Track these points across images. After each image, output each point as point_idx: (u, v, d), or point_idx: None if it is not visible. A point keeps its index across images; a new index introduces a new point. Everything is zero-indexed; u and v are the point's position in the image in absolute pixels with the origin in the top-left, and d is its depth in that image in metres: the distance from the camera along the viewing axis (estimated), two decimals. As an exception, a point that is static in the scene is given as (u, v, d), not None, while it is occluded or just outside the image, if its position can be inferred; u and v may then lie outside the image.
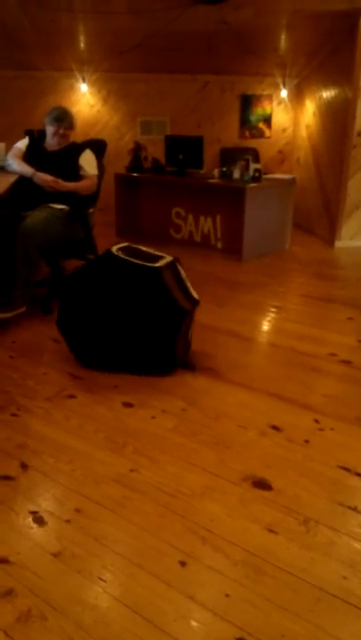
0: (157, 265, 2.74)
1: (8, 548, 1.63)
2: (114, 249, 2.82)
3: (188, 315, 2.82)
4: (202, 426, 2.32)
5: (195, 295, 2.91)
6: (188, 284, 2.92)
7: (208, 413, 2.43)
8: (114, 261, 2.75)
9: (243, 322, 3.56)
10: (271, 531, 1.71)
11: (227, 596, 1.47)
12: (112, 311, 2.70)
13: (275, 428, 2.31)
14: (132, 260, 2.74)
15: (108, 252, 2.81)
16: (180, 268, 2.92)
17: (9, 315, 3.25)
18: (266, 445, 2.19)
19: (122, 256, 2.75)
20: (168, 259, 2.86)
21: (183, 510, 1.80)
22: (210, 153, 6.26)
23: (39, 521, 1.74)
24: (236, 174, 5.15)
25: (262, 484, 1.94)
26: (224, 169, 5.32)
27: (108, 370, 2.78)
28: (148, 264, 2.73)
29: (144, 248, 2.98)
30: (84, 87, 6.51)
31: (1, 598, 1.45)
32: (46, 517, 1.76)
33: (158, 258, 2.85)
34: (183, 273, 2.92)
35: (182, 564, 1.58)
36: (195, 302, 2.89)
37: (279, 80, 6.75)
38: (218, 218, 5.25)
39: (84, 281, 2.80)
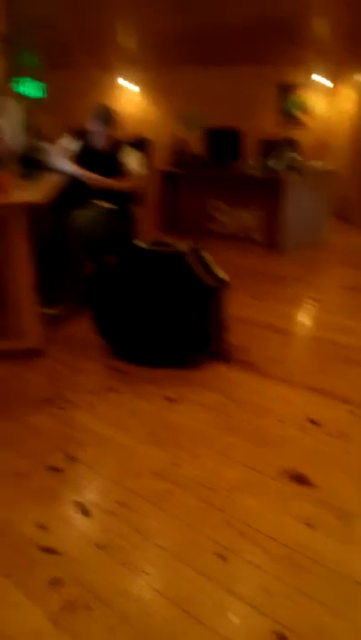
0: (181, 250, 2.82)
1: (56, 537, 1.71)
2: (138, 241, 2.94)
3: (215, 291, 2.86)
4: (241, 420, 2.35)
5: (222, 276, 2.96)
6: (215, 267, 2.98)
7: (247, 408, 2.45)
8: (139, 252, 2.85)
9: (282, 315, 3.54)
10: (310, 525, 1.73)
11: (265, 590, 1.50)
12: (142, 300, 2.81)
13: (313, 422, 2.31)
14: (157, 248, 2.83)
15: (133, 244, 2.90)
16: (203, 253, 2.98)
17: (57, 310, 3.35)
18: (305, 440, 2.20)
19: (146, 246, 2.85)
20: (190, 246, 2.94)
21: (222, 504, 1.84)
22: (249, 144, 6.20)
23: (85, 512, 1.82)
24: (276, 165, 5.09)
25: (301, 479, 1.95)
26: (263, 160, 5.27)
27: (144, 362, 2.86)
28: (172, 251, 2.81)
29: (167, 239, 3.06)
30: (125, 84, 6.55)
31: (48, 587, 1.53)
32: (91, 509, 1.83)
33: (181, 246, 2.93)
34: (208, 258, 2.98)
35: (222, 557, 1.62)
36: (222, 282, 2.93)
37: (318, 68, 6.61)
38: (257, 210, 5.22)
39: (113, 274, 2.89)
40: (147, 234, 3.50)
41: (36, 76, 5.64)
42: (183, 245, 2.97)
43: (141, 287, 2.81)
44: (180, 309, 2.78)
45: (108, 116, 3.61)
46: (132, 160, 3.68)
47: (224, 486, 1.93)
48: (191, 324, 2.81)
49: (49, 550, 1.66)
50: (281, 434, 2.25)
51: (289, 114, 6.86)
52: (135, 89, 6.58)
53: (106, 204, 3.54)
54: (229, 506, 1.83)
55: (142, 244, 2.87)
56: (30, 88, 5.55)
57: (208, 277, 2.85)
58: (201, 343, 2.84)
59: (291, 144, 6.03)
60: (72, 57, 5.97)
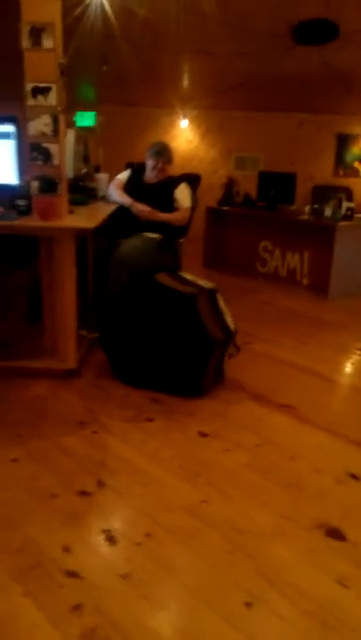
0: (192, 292, 2.83)
1: (79, 562, 1.69)
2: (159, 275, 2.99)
3: (219, 345, 2.87)
4: (276, 465, 2.29)
5: (231, 326, 2.97)
6: (227, 315, 3.00)
7: (283, 452, 2.39)
8: (153, 285, 2.89)
9: (325, 361, 3.48)
10: (342, 584, 1.65)
11: (291, 646, 1.43)
12: (148, 332, 2.85)
13: (353, 476, 2.23)
14: (170, 285, 2.86)
15: (150, 277, 2.94)
16: (219, 297, 3.00)
17: (96, 335, 3.39)
18: (342, 493, 2.12)
19: (160, 281, 2.88)
20: (207, 288, 2.97)
21: (252, 550, 1.78)
22: (302, 190, 6.26)
23: (111, 540, 1.79)
24: (328, 212, 5.11)
25: (336, 534, 1.87)
26: (315, 206, 5.30)
27: (143, 386, 2.90)
28: (183, 291, 2.83)
29: (189, 276, 3.12)
30: (183, 123, 6.78)
31: (69, 612, 1.50)
32: (118, 537, 1.80)
33: (197, 286, 2.97)
34: (222, 303, 3.00)
35: (248, 605, 1.55)
36: (229, 333, 2.94)
37: (379, 119, 6.67)
38: (306, 254, 5.22)
39: (125, 301, 2.95)
40: (189, 267, 3.55)
41: (93, 108, 5.89)
42: (204, 283, 3.01)
43: (149, 319, 2.85)
44: (180, 352, 2.80)
45: (161, 150, 3.73)
46: (184, 195, 3.76)
47: (255, 532, 1.87)
48: (187, 370, 2.84)
49: (73, 574, 1.63)
50: (317, 484, 2.17)
51: (346, 163, 6.90)
52: (193, 128, 6.78)
53: (153, 235, 3.62)
54: (259, 553, 1.77)
55: (160, 279, 2.90)
56: (87, 119, 5.80)
57: (215, 327, 2.86)
58: (191, 390, 2.86)
59: (345, 193, 6.05)
60: (132, 92, 6.23)
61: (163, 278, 2.93)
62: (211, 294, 2.96)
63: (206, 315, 2.84)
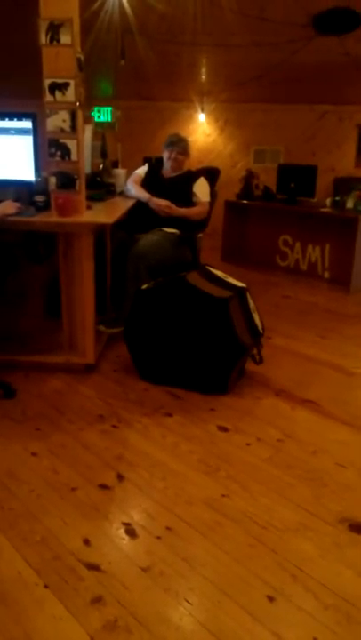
0: (224, 296, 2.78)
1: (100, 555, 1.68)
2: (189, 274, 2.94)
3: (248, 350, 2.87)
4: (298, 459, 2.26)
5: (260, 327, 2.96)
6: (256, 315, 2.97)
7: (305, 447, 2.35)
8: (184, 286, 2.84)
9: (347, 355, 3.42)
10: (367, 580, 1.61)
11: (315, 639, 1.40)
12: (175, 332, 2.82)
13: (377, 470, 2.19)
14: (201, 288, 2.82)
15: (180, 277, 2.90)
16: (249, 297, 2.96)
17: (116, 330, 3.40)
18: (366, 488, 2.08)
19: (192, 283, 2.84)
20: (238, 287, 2.93)
21: (274, 544, 1.75)
22: (323, 182, 6.16)
23: (131, 533, 1.79)
24: (350, 204, 5.02)
25: (360, 529, 1.84)
26: (337, 198, 5.22)
27: (164, 383, 2.88)
28: (216, 295, 2.79)
29: (220, 273, 3.07)
30: (201, 117, 6.74)
31: (91, 604, 1.50)
32: (138, 530, 1.80)
33: (229, 286, 2.93)
34: (252, 303, 2.97)
35: (270, 599, 1.53)
36: (258, 335, 2.93)
37: None
38: (327, 247, 5.14)
39: (154, 299, 2.90)
40: (208, 261, 3.52)
41: (110, 104, 5.89)
42: (234, 282, 2.98)
43: (179, 319, 2.82)
44: (208, 355, 2.78)
45: (175, 141, 3.71)
46: (202, 189, 3.73)
47: (277, 526, 1.84)
48: (214, 372, 2.82)
49: (93, 567, 1.63)
50: (340, 479, 2.13)
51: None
52: (211, 122, 6.74)
53: (171, 230, 3.60)
54: (282, 547, 1.74)
55: (191, 280, 2.87)
56: (104, 114, 5.80)
57: (245, 332, 2.84)
58: (216, 389, 2.83)
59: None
60: (150, 87, 6.21)
61: (194, 279, 2.90)
62: (241, 294, 2.93)
63: (237, 318, 2.81)
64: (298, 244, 5.41)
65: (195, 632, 1.42)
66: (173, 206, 3.60)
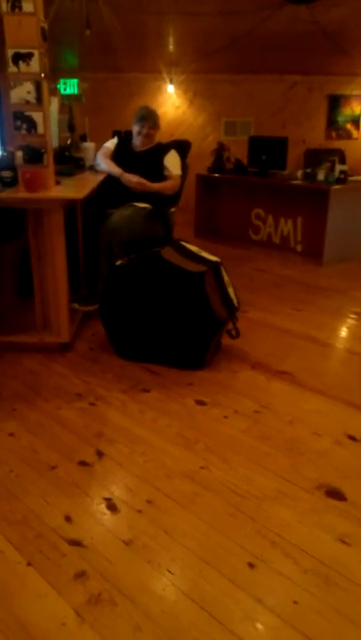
0: (199, 271, 2.77)
1: (83, 531, 1.69)
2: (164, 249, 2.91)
3: (224, 324, 2.88)
4: (275, 430, 2.29)
5: (235, 301, 2.97)
6: (230, 290, 2.97)
7: (282, 418, 2.39)
8: (158, 261, 2.82)
9: (321, 327, 3.47)
10: (344, 542, 1.66)
11: (295, 603, 1.44)
12: (151, 308, 2.81)
13: (352, 437, 2.24)
14: (176, 263, 2.80)
15: (155, 252, 2.87)
16: (223, 272, 2.96)
17: (91, 308, 3.36)
18: (341, 455, 2.13)
19: (167, 258, 2.82)
20: (212, 262, 2.92)
21: (253, 512, 1.79)
22: (294, 154, 6.16)
23: (112, 508, 1.80)
24: (321, 176, 5.03)
25: (336, 494, 1.89)
26: (308, 170, 5.21)
27: (140, 359, 2.88)
28: (191, 269, 2.77)
29: (194, 248, 3.05)
30: (170, 88, 6.62)
31: (74, 579, 1.51)
32: (119, 505, 1.81)
33: (203, 260, 2.91)
34: (226, 277, 2.97)
35: (251, 565, 1.57)
36: (233, 309, 2.94)
37: (370, 79, 6.53)
38: (299, 220, 5.15)
39: (128, 275, 2.88)
40: (181, 236, 3.49)
41: (76, 75, 5.73)
42: (210, 258, 2.97)
43: (154, 295, 2.80)
44: (184, 330, 2.78)
45: (146, 115, 3.63)
46: (174, 163, 3.68)
47: (256, 495, 1.88)
48: (191, 346, 2.82)
49: (75, 543, 1.64)
50: (317, 447, 2.18)
51: (338, 125, 6.78)
52: (181, 94, 6.62)
53: (143, 205, 3.55)
54: (261, 515, 1.78)
55: (166, 255, 2.85)
56: (70, 87, 5.64)
57: (220, 306, 2.84)
58: (194, 363, 2.84)
59: (338, 155, 5.95)
60: (117, 58, 6.05)
61: (168, 254, 2.87)
62: (216, 269, 2.92)
63: (213, 293, 2.81)
64: (270, 218, 5.40)
65: (178, 601, 1.44)
66: (145, 182, 3.54)
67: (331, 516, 1.78)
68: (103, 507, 1.80)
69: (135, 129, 3.68)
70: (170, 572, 1.54)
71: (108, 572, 1.53)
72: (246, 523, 1.74)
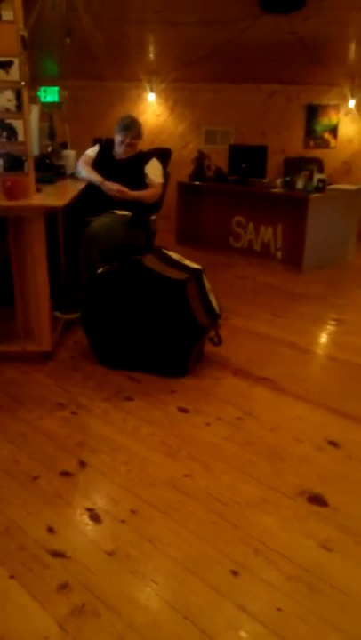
0: (181, 278, 2.78)
1: (65, 542, 1.68)
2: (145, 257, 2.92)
3: (206, 331, 2.89)
4: (257, 436, 2.31)
5: (216, 308, 2.99)
6: (212, 297, 2.99)
7: (264, 424, 2.41)
8: (140, 269, 2.82)
9: (301, 333, 3.51)
10: (326, 548, 1.68)
11: (279, 610, 1.45)
12: (133, 316, 2.81)
13: (333, 443, 2.26)
14: (158, 270, 2.81)
15: (136, 260, 2.88)
16: (205, 279, 2.98)
17: (73, 316, 3.35)
18: (323, 461, 2.15)
19: (148, 266, 2.83)
20: (194, 269, 2.94)
21: (236, 520, 1.79)
22: (273, 163, 6.23)
23: (95, 518, 1.79)
24: (300, 184, 5.10)
25: (318, 500, 1.90)
26: (287, 178, 5.29)
27: (123, 367, 2.88)
28: (173, 277, 2.79)
29: (175, 255, 3.06)
30: (151, 97, 6.65)
31: (57, 591, 1.49)
32: (102, 515, 1.80)
33: (185, 268, 2.93)
34: (208, 285, 2.99)
35: (234, 573, 1.57)
36: (215, 316, 2.96)
37: (347, 90, 6.65)
38: (279, 227, 5.22)
39: (110, 283, 2.88)
40: (163, 245, 3.50)
41: (57, 84, 5.73)
42: (191, 264, 2.98)
43: (136, 303, 2.81)
44: (166, 337, 2.79)
45: (129, 124, 3.64)
46: (155, 171, 3.69)
47: (238, 502, 1.89)
48: (173, 354, 2.83)
49: (58, 554, 1.62)
50: (298, 453, 2.20)
51: (316, 134, 6.88)
52: (161, 102, 6.66)
53: (123, 212, 3.55)
54: (243, 522, 1.79)
55: (148, 263, 2.85)
56: (51, 94, 5.64)
57: (202, 313, 2.85)
58: (176, 371, 2.85)
59: (316, 164, 6.05)
60: (97, 66, 6.07)
61: (150, 261, 2.88)
62: (197, 276, 2.93)
63: (195, 300, 2.82)
64: (251, 225, 5.46)
65: (162, 611, 1.44)
66: (126, 190, 3.54)
67: (313, 522, 1.79)
68: (86, 517, 1.79)
69: (118, 138, 3.68)
70: (154, 581, 1.54)
71: (91, 583, 1.52)
72: (229, 530, 1.74)
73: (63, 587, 1.51)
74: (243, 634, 1.38)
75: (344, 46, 5.76)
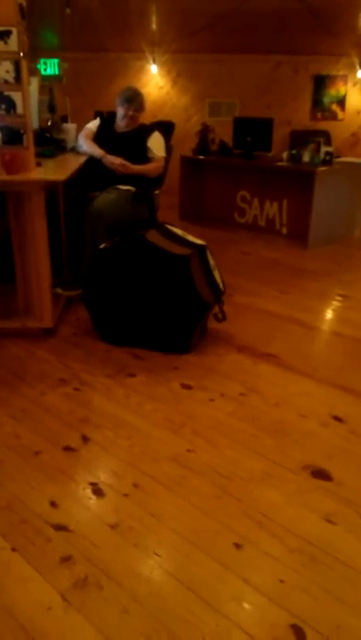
0: (185, 254, 2.73)
1: (68, 516, 1.68)
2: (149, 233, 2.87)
3: (210, 307, 2.85)
4: (261, 412, 2.29)
5: (221, 285, 2.94)
6: (216, 273, 2.94)
7: (268, 400, 2.39)
8: (143, 244, 2.78)
9: (307, 309, 3.47)
10: (330, 521, 1.67)
11: (282, 582, 1.45)
12: (136, 292, 2.77)
13: (337, 418, 2.24)
14: (161, 246, 2.76)
15: (139, 235, 2.83)
16: (209, 255, 2.93)
17: (74, 292, 3.32)
18: (327, 436, 2.13)
19: (152, 241, 2.78)
20: (198, 245, 2.89)
21: (240, 494, 1.79)
22: (279, 135, 6.08)
23: (98, 492, 1.79)
24: (306, 157, 4.99)
25: (322, 474, 1.89)
26: (293, 152, 5.17)
27: (126, 344, 2.85)
28: (177, 253, 2.74)
29: (179, 231, 3.00)
30: (153, 68, 6.49)
31: (60, 564, 1.50)
32: (105, 490, 1.80)
33: (189, 244, 2.88)
34: (212, 261, 2.94)
35: (238, 546, 1.57)
36: (219, 293, 2.92)
37: (356, 60, 6.45)
38: (284, 202, 5.13)
39: (113, 259, 2.84)
40: (167, 220, 3.45)
41: (57, 55, 5.60)
42: (195, 241, 2.93)
43: (139, 279, 2.77)
44: (170, 314, 2.76)
45: (131, 97, 3.56)
46: (157, 144, 3.62)
47: (242, 476, 1.88)
48: (177, 330, 2.80)
49: (61, 528, 1.63)
50: (303, 428, 2.18)
51: (324, 106, 6.72)
52: (164, 74, 6.51)
53: (127, 187, 3.49)
54: (247, 496, 1.78)
55: (151, 238, 2.80)
56: (51, 67, 5.51)
57: (206, 290, 2.81)
58: (180, 348, 2.82)
59: (324, 137, 5.92)
60: (98, 37, 5.92)
61: (153, 237, 2.83)
62: (201, 252, 2.89)
63: (198, 276, 2.78)
64: (256, 200, 5.36)
65: (165, 583, 1.44)
66: (128, 164, 3.47)
67: (317, 496, 1.79)
68: (89, 491, 1.79)
69: (120, 111, 3.60)
70: (157, 554, 1.54)
71: (94, 556, 1.53)
72: (233, 504, 1.74)
73: (66, 559, 1.51)
74: (246, 605, 1.38)
75: (353, 14, 5.58)
